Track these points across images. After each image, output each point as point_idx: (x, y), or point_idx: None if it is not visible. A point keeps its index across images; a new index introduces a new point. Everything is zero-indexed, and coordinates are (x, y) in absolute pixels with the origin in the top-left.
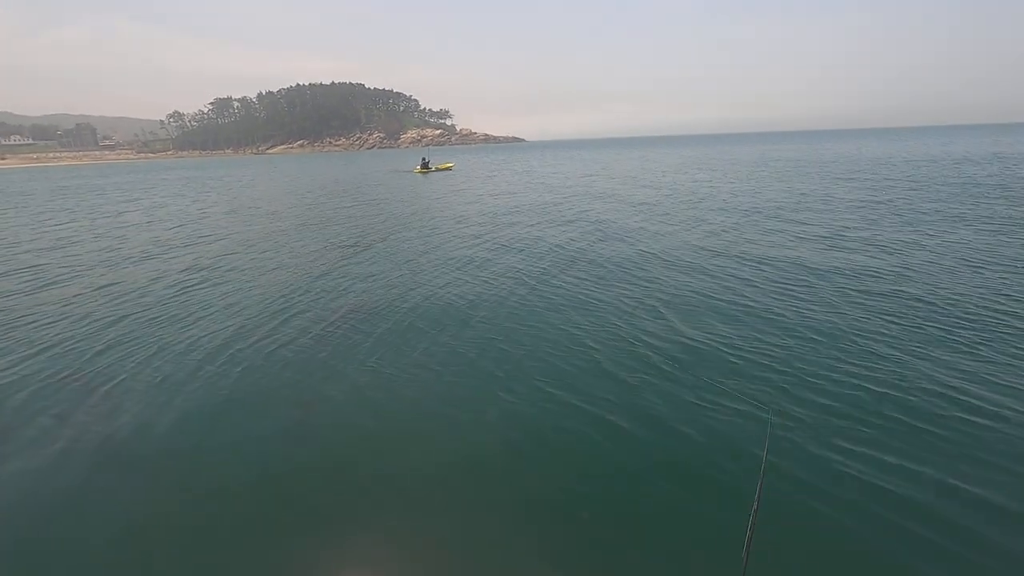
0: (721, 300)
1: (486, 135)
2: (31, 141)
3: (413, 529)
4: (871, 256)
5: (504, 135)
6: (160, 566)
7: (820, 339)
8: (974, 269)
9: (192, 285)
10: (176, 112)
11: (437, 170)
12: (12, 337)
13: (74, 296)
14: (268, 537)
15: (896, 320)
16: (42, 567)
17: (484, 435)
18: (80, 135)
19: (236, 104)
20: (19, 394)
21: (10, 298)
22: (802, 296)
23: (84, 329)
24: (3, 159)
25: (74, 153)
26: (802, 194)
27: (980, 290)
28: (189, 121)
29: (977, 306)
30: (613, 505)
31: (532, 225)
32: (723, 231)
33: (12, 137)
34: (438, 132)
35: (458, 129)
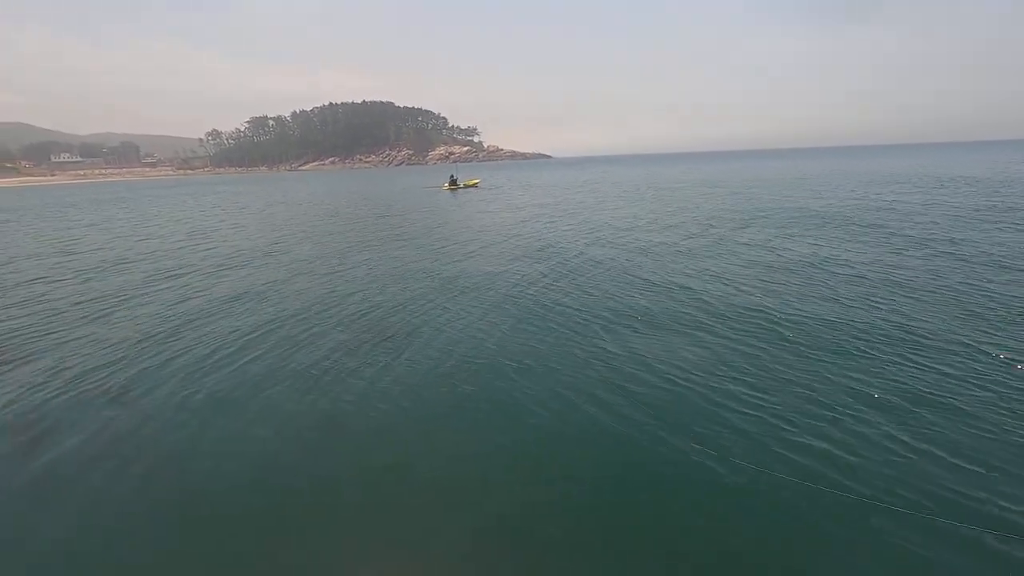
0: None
1: (512, 152)
2: (79, 159)
3: (415, 541)
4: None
5: (530, 151)
6: (173, 566)
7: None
8: None
9: (198, 294)
10: (214, 130)
11: (465, 187)
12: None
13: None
14: (270, 539)
15: None
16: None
17: (494, 446)
18: (124, 153)
19: (271, 122)
20: (41, 402)
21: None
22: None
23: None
24: (52, 175)
25: (118, 170)
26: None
27: None
28: (227, 139)
29: None
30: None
31: (537, 241)
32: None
33: (62, 155)
34: (465, 149)
35: (485, 146)
